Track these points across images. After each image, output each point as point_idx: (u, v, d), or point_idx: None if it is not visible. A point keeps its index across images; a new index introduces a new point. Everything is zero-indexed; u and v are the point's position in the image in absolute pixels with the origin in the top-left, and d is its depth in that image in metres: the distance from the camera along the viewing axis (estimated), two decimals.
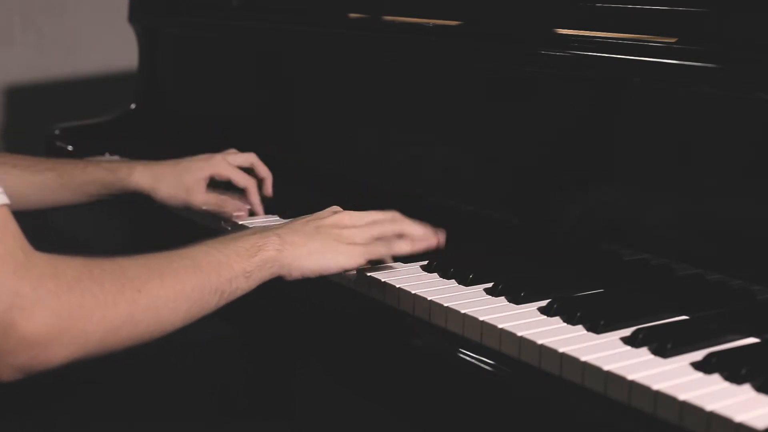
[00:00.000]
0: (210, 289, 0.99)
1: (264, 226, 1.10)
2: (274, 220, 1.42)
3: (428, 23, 1.39)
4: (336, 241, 1.10)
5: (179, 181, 1.41)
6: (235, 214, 1.40)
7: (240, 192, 1.43)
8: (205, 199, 1.41)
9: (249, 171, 1.46)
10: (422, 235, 1.15)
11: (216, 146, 1.76)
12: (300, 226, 1.11)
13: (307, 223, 1.12)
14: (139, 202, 1.44)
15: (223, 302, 1.01)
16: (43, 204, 1.42)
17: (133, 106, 2.04)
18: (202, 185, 1.42)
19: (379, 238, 1.13)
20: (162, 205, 1.43)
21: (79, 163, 1.47)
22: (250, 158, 1.47)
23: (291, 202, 1.43)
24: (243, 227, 1.37)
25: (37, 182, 1.39)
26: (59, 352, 0.86)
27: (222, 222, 1.41)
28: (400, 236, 1.15)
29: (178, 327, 0.97)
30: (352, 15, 1.56)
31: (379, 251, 1.12)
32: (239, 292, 1.03)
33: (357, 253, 1.11)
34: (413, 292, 1.09)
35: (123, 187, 1.42)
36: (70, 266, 0.88)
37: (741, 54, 1.01)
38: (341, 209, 1.16)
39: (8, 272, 0.83)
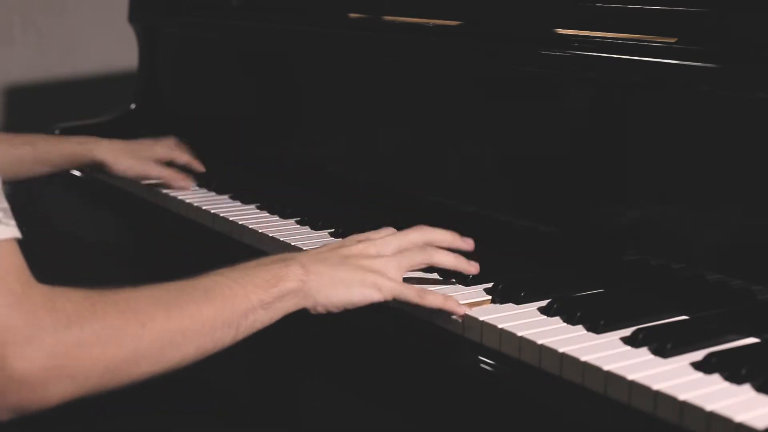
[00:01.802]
0: (223, 322, 0.92)
1: (285, 254, 1.04)
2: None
3: (428, 23, 1.39)
4: (363, 272, 1.02)
5: (136, 155, 1.60)
6: (182, 184, 1.59)
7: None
8: (159, 172, 1.59)
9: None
10: (454, 265, 1.08)
11: (216, 146, 1.76)
12: (325, 254, 1.04)
13: (332, 251, 1.05)
14: (100, 176, 1.64)
15: (240, 336, 0.94)
16: (18, 176, 1.54)
17: (133, 106, 2.04)
18: (155, 161, 1.61)
19: (412, 268, 1.07)
20: (120, 178, 1.60)
21: (52, 137, 1.62)
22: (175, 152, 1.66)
23: (291, 202, 1.44)
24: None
25: (15, 156, 1.52)
26: (54, 393, 0.81)
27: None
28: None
29: (188, 363, 0.91)
30: (352, 15, 1.56)
31: (408, 294, 1.03)
32: (258, 325, 0.96)
33: (386, 287, 1.03)
34: None
35: (90, 158, 1.57)
36: (71, 300, 0.83)
37: (741, 54, 1.01)
38: (360, 235, 1.10)
39: (2, 305, 0.79)
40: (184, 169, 1.64)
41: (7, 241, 0.82)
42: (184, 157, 1.66)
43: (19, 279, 0.81)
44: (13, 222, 0.83)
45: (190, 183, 1.60)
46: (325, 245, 1.09)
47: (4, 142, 1.52)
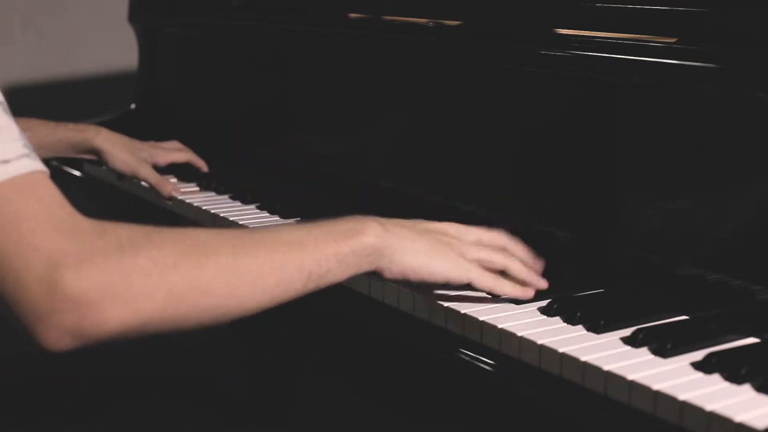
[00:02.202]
0: (294, 266, 0.88)
1: (363, 216, 0.98)
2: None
3: (428, 23, 1.39)
4: (445, 247, 0.99)
5: (134, 153, 1.61)
6: (169, 192, 1.57)
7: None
8: (147, 174, 1.59)
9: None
10: (527, 279, 1.04)
11: (216, 146, 1.76)
12: (405, 221, 1.00)
13: (413, 221, 1.01)
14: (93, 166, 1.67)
15: (312, 285, 0.90)
16: None
17: (133, 106, 2.04)
18: (149, 163, 1.62)
19: (486, 263, 1.02)
20: (112, 170, 1.61)
21: (50, 123, 1.60)
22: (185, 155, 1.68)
23: (291, 202, 1.44)
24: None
25: None
26: (112, 314, 0.77)
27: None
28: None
29: (264, 306, 0.87)
30: (352, 15, 1.56)
31: (486, 283, 1.01)
32: (331, 277, 0.91)
33: (464, 267, 0.99)
34: (413, 292, 1.08)
35: (88, 145, 1.58)
36: (123, 228, 0.81)
37: (741, 54, 1.01)
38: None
39: (51, 229, 0.78)
40: (188, 167, 1.67)
41: (40, 172, 0.81)
42: (185, 156, 1.67)
43: (63, 208, 0.80)
44: (36, 155, 0.82)
45: (178, 192, 1.57)
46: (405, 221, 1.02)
47: None
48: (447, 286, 1.04)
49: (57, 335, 0.77)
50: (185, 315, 0.82)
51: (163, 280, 0.79)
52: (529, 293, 1.03)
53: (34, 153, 0.82)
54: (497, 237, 1.06)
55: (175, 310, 0.81)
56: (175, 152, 1.67)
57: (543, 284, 1.05)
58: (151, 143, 1.68)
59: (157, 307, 0.79)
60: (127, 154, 1.60)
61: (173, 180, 1.65)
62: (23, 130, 1.51)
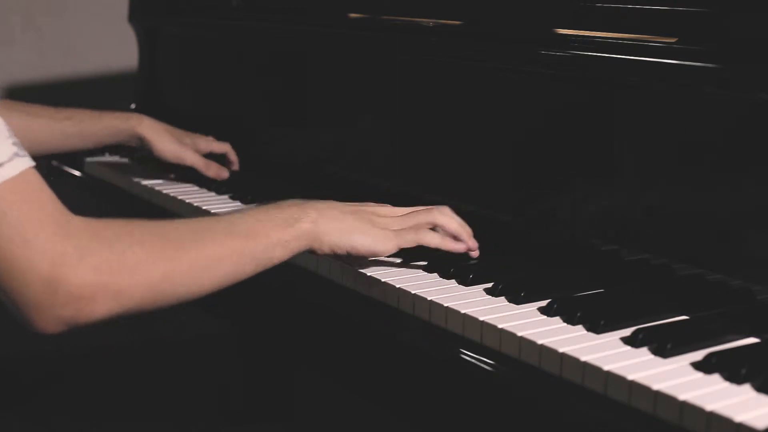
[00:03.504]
0: (247, 254, 1.01)
1: (301, 200, 1.12)
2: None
3: (428, 23, 1.39)
4: (370, 224, 1.12)
5: (178, 139, 1.63)
6: (216, 172, 1.62)
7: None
8: (194, 159, 1.62)
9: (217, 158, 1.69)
10: (456, 231, 1.15)
11: None
12: (338, 204, 1.13)
13: (346, 204, 1.14)
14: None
15: (259, 269, 1.03)
16: (60, 149, 1.61)
17: (133, 106, 2.04)
18: (192, 149, 1.64)
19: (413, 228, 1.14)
20: (157, 157, 1.62)
21: (95, 112, 1.62)
22: (224, 147, 1.70)
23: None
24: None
25: (58, 129, 1.56)
26: (102, 306, 0.90)
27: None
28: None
29: (215, 290, 0.99)
30: (352, 15, 1.56)
31: (409, 238, 1.12)
32: (275, 261, 1.04)
33: (390, 238, 1.11)
34: (413, 292, 1.09)
35: (132, 134, 1.60)
36: (108, 227, 0.92)
37: (741, 54, 1.01)
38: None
39: (51, 233, 0.88)
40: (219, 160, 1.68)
41: (30, 169, 0.90)
42: (221, 146, 1.69)
43: (57, 208, 0.90)
44: (23, 149, 0.90)
45: (224, 172, 1.62)
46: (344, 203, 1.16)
47: (48, 116, 1.56)
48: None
49: (53, 324, 0.89)
50: (158, 301, 0.95)
51: (145, 275, 0.92)
52: (459, 246, 1.14)
53: (22, 147, 0.90)
54: (428, 212, 1.16)
55: (152, 298, 0.94)
56: (213, 142, 1.69)
57: (474, 244, 1.16)
58: (190, 133, 1.69)
59: (139, 297, 0.92)
60: (170, 141, 1.62)
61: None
62: (67, 119, 1.55)
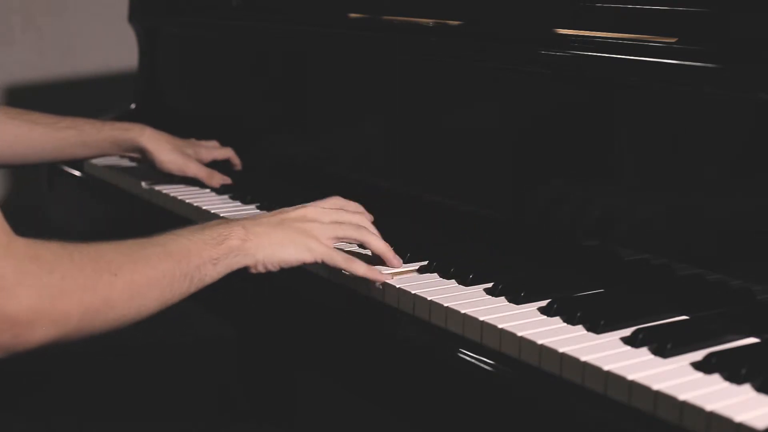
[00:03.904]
0: (180, 275, 1.01)
1: (232, 219, 1.14)
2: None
3: (428, 23, 1.39)
4: (298, 234, 1.12)
5: (180, 151, 1.61)
6: (219, 182, 1.59)
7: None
8: (197, 170, 1.59)
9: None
10: (382, 252, 1.16)
11: None
12: (265, 218, 1.14)
13: (272, 215, 1.15)
14: (140, 163, 1.65)
15: (192, 289, 1.03)
16: (61, 157, 1.61)
17: (133, 106, 2.04)
18: (194, 159, 1.62)
19: (343, 239, 1.16)
20: (160, 169, 1.59)
21: (96, 122, 1.61)
22: (227, 152, 1.69)
23: (290, 202, 1.43)
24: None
25: (58, 138, 1.55)
26: (39, 333, 0.88)
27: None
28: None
29: (152, 313, 0.99)
30: (352, 15, 1.56)
31: (337, 259, 1.12)
32: (208, 279, 1.04)
33: (317, 251, 1.11)
34: (413, 292, 1.09)
35: (133, 145, 1.59)
36: (49, 249, 0.90)
37: (741, 54, 1.01)
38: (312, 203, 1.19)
39: None
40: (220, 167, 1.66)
41: None
42: (224, 153, 1.68)
43: (3, 230, 0.87)
44: None
45: (227, 182, 1.60)
46: (270, 212, 1.17)
47: (49, 124, 1.55)
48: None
49: None
50: (95, 327, 0.93)
51: (83, 301, 0.91)
52: (381, 277, 1.12)
53: None
54: (354, 217, 1.18)
55: (90, 323, 0.92)
56: (216, 150, 1.68)
57: (397, 263, 1.16)
58: (193, 140, 1.68)
59: (75, 323, 0.90)
60: (172, 153, 1.60)
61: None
62: (70, 128, 1.57)
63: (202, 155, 1.64)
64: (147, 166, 1.68)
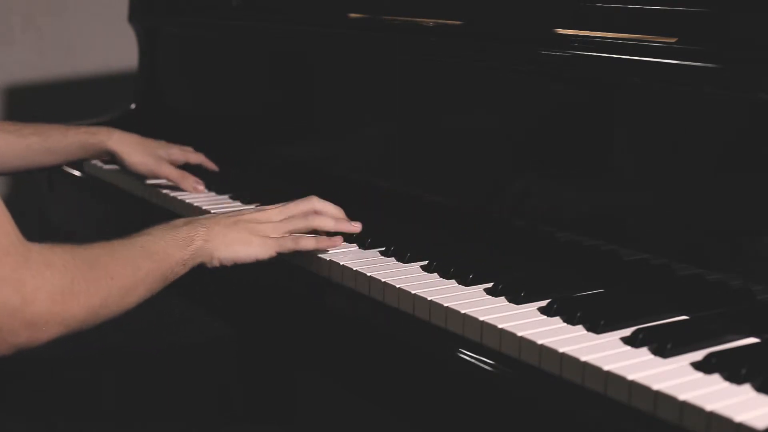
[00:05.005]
0: (159, 275, 1.10)
1: (190, 218, 1.21)
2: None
3: (428, 23, 1.39)
4: (250, 234, 1.20)
5: (150, 152, 1.59)
6: (192, 185, 1.57)
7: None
8: (169, 171, 1.58)
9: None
10: (333, 226, 1.24)
11: (216, 146, 1.76)
12: (221, 218, 1.21)
13: (228, 216, 1.22)
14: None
15: (163, 286, 1.11)
16: (28, 166, 1.57)
17: (133, 106, 2.04)
18: (167, 160, 1.60)
19: (294, 231, 1.23)
20: (130, 171, 1.59)
21: (61, 127, 1.58)
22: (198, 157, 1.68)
23: (288, 200, 1.43)
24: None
25: (23, 146, 1.52)
26: (50, 332, 0.96)
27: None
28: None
29: (131, 309, 1.07)
30: (352, 15, 1.56)
31: (288, 245, 1.20)
32: (175, 277, 1.13)
33: (268, 245, 1.19)
34: (413, 292, 1.09)
35: (101, 148, 1.58)
36: (57, 255, 0.97)
37: (741, 54, 1.01)
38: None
39: (12, 262, 0.92)
40: (192, 169, 1.63)
41: None
42: (197, 157, 1.66)
43: (18, 237, 0.94)
44: None
45: (200, 185, 1.58)
46: (227, 214, 1.25)
47: (13, 132, 1.52)
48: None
49: (4, 349, 0.94)
50: (93, 323, 1.01)
51: (87, 303, 0.99)
52: (336, 242, 1.23)
53: None
54: (304, 206, 1.25)
55: (91, 321, 1.00)
56: (190, 153, 1.65)
57: (355, 228, 1.25)
58: (164, 142, 1.65)
59: (81, 321, 0.99)
60: (142, 154, 1.58)
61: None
62: (35, 134, 1.55)
63: (174, 157, 1.61)
64: None
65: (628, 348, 0.93)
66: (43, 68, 2.44)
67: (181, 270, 1.14)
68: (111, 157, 1.58)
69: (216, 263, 1.18)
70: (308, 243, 1.21)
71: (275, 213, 1.24)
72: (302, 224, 1.24)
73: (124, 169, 1.59)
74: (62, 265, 0.97)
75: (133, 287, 1.06)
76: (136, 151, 1.58)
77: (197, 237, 1.16)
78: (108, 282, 1.02)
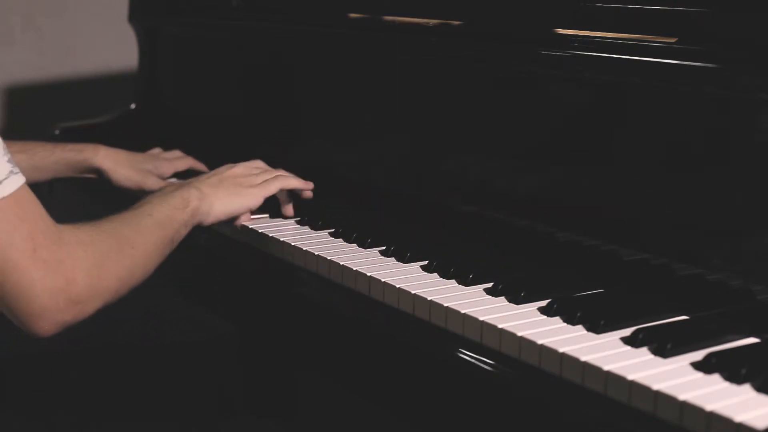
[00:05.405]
0: (168, 240, 1.17)
1: (182, 182, 1.30)
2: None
3: (428, 23, 1.39)
4: (237, 187, 1.31)
5: (137, 167, 1.61)
6: None
7: None
8: (155, 185, 1.58)
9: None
10: (300, 187, 1.40)
11: (216, 145, 1.76)
12: (205, 180, 1.30)
13: (209, 177, 1.32)
14: (98, 182, 1.62)
15: (170, 250, 1.18)
16: None
17: (133, 106, 2.04)
18: (154, 174, 1.62)
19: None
20: (117, 187, 1.60)
21: (47, 145, 1.60)
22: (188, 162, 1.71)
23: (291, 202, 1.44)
24: None
25: None
26: (92, 306, 1.01)
27: None
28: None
29: (148, 276, 1.13)
30: (352, 15, 1.56)
31: (271, 189, 1.34)
32: (180, 240, 1.20)
33: (255, 193, 1.33)
34: (413, 292, 1.09)
35: (88, 166, 1.59)
36: (85, 233, 1.03)
37: (741, 54, 1.01)
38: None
39: (50, 244, 0.96)
40: (188, 173, 1.62)
41: (24, 185, 0.96)
42: (185, 163, 1.66)
43: (49, 219, 0.99)
44: (15, 166, 0.97)
45: None
46: (201, 176, 1.34)
47: None
48: None
49: (54, 328, 0.99)
50: (124, 293, 1.07)
51: (118, 275, 1.05)
52: (310, 184, 1.41)
53: (15, 164, 0.97)
54: (255, 162, 1.41)
55: (121, 291, 1.07)
56: (177, 161, 1.65)
57: (308, 184, 1.41)
58: (153, 152, 1.65)
59: (114, 292, 1.05)
60: (129, 169, 1.59)
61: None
62: (21, 152, 1.55)
63: (162, 169, 1.62)
64: None
65: (628, 348, 0.93)
66: (43, 68, 2.44)
67: (184, 231, 1.20)
68: (98, 174, 1.59)
69: (212, 219, 1.26)
70: (289, 182, 1.37)
71: (248, 168, 1.36)
72: (277, 184, 1.36)
73: (111, 186, 1.59)
74: (91, 242, 1.02)
75: (152, 254, 1.12)
76: (123, 167, 1.59)
77: (192, 198, 1.23)
78: (131, 252, 1.08)
